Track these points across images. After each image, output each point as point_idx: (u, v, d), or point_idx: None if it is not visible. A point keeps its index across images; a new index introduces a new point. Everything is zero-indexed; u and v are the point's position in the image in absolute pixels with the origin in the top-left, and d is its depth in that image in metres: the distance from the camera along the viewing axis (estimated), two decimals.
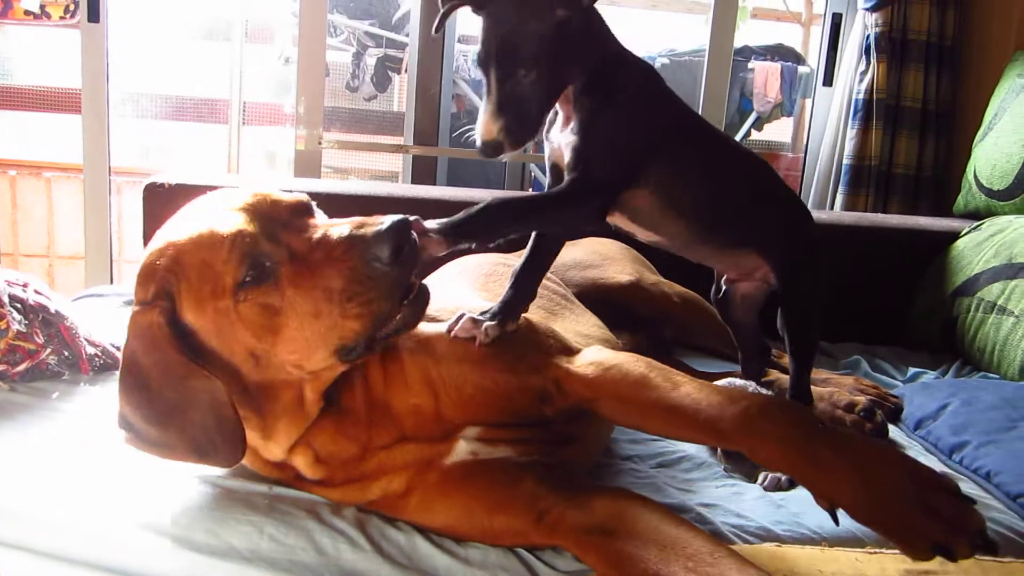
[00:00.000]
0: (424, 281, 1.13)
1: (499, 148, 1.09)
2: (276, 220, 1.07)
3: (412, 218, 1.05)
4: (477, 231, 1.09)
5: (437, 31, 1.19)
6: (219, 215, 1.06)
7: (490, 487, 1.11)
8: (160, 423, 1.04)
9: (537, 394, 1.16)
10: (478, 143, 1.10)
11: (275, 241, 1.05)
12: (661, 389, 1.09)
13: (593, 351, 1.19)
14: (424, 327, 1.16)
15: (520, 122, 1.09)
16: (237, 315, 1.03)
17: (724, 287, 1.49)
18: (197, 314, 1.04)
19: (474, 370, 1.15)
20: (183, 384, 1.02)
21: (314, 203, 1.15)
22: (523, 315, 1.23)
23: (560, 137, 1.20)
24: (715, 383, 1.15)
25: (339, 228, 1.05)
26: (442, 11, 1.18)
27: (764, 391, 1.57)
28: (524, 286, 1.23)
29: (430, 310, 1.15)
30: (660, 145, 1.21)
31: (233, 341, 1.05)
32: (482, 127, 1.09)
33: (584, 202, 1.16)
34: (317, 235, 1.05)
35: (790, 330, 1.38)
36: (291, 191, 1.13)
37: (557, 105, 1.19)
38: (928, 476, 0.95)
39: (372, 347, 1.08)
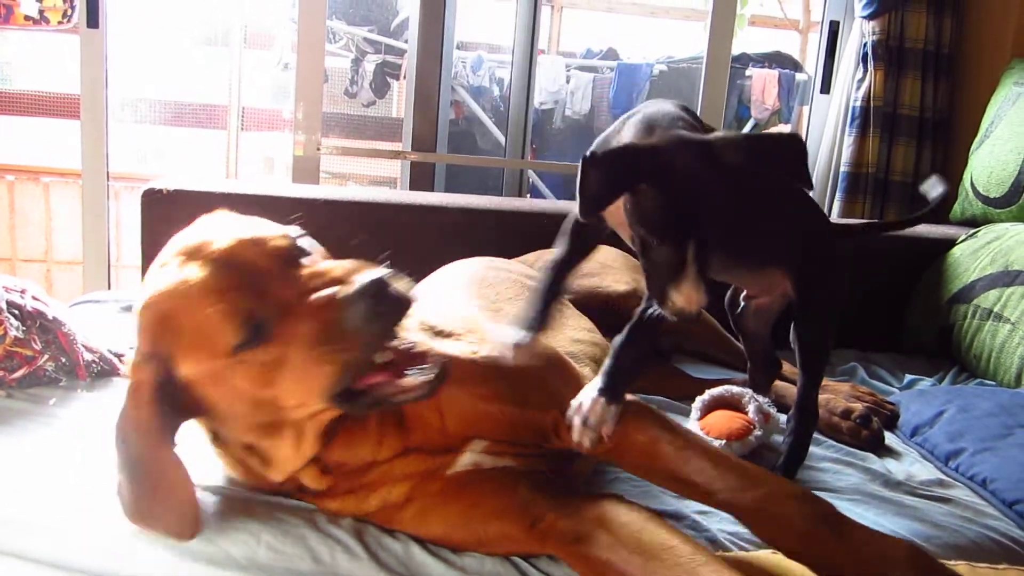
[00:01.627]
0: (418, 286, 1.12)
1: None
2: (264, 271, 1.05)
3: (386, 276, 1.02)
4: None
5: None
6: (211, 269, 1.04)
7: (486, 495, 1.12)
8: (127, 477, 1.05)
9: (540, 431, 1.18)
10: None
11: (265, 297, 1.02)
12: (671, 460, 1.11)
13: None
14: (433, 343, 1.16)
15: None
16: (234, 372, 1.02)
17: (742, 303, 1.49)
18: (194, 371, 1.04)
19: (481, 400, 1.16)
20: (153, 451, 1.05)
21: (298, 237, 1.12)
22: (550, 348, 1.24)
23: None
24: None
25: (321, 280, 1.04)
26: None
27: (761, 399, 1.57)
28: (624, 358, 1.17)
29: (434, 321, 1.17)
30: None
31: (233, 394, 1.05)
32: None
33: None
34: (302, 287, 1.04)
35: (802, 343, 1.37)
36: (276, 232, 1.10)
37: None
38: (939, 569, 1.00)
39: (376, 405, 1.06)
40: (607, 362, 1.17)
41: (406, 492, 1.13)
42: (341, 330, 0.99)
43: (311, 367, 1.01)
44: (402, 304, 1.02)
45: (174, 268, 1.06)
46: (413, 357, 1.05)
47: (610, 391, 1.13)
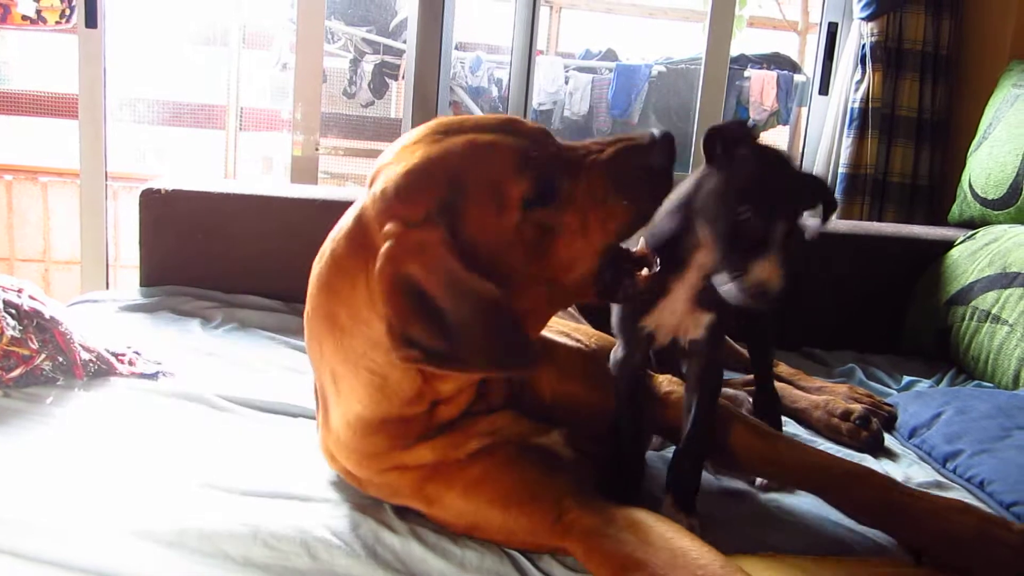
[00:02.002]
0: None
1: (775, 299, 1.03)
2: (540, 140, 1.06)
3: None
4: None
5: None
6: (486, 133, 1.03)
7: (534, 478, 1.13)
8: (449, 337, 0.96)
9: None
10: (761, 284, 1.01)
11: (553, 157, 1.03)
12: (748, 436, 1.23)
13: (668, 383, 1.30)
14: (552, 336, 1.26)
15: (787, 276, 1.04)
16: (520, 236, 1.01)
17: None
18: (481, 233, 1.00)
19: (584, 387, 1.25)
20: (469, 297, 0.96)
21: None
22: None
23: (682, 315, 1.18)
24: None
25: (605, 141, 1.07)
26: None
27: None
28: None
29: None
30: None
31: (514, 261, 1.02)
32: (773, 274, 1.01)
33: None
34: (584, 151, 1.06)
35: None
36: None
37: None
38: (993, 519, 1.12)
39: (617, 295, 1.10)
40: (669, 475, 1.20)
41: (490, 446, 1.14)
42: (632, 180, 1.03)
43: (596, 226, 1.03)
44: (668, 175, 1.06)
45: (435, 140, 1.04)
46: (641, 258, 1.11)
47: (683, 503, 1.17)
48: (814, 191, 1.13)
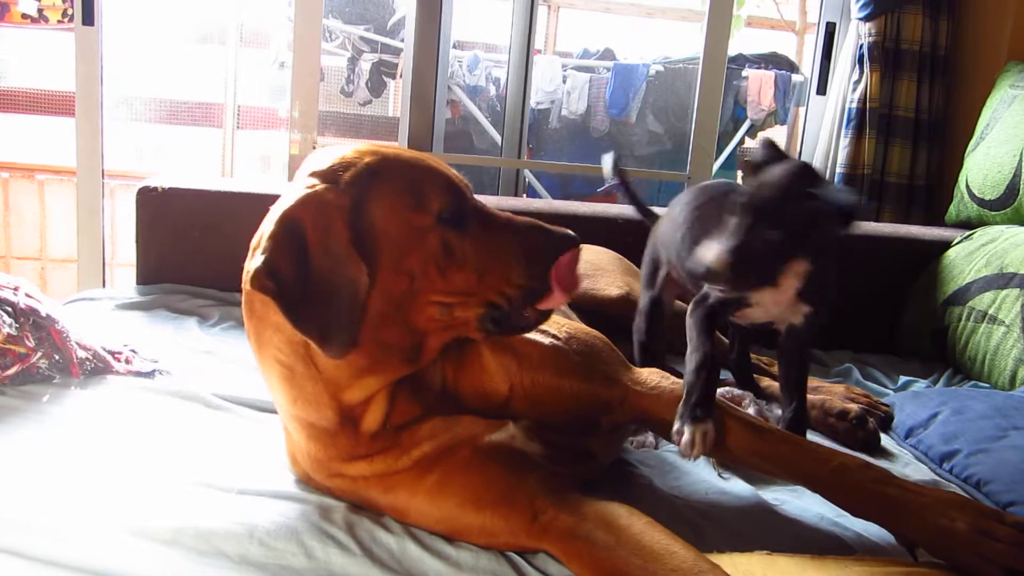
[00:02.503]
0: None
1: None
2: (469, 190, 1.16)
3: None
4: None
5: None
6: (433, 161, 1.15)
7: (501, 476, 1.13)
8: (303, 289, 1.02)
9: (602, 404, 1.27)
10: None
11: (475, 201, 1.14)
12: (744, 432, 1.24)
13: (654, 374, 1.31)
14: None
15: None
16: (423, 239, 1.08)
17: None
18: (388, 218, 1.07)
19: (553, 376, 1.24)
20: (338, 265, 1.03)
21: None
22: (597, 333, 1.35)
23: (779, 302, 1.34)
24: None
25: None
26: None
27: (761, 402, 1.58)
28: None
29: None
30: None
31: (405, 258, 1.07)
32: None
33: None
34: (502, 214, 1.15)
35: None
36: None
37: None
38: (986, 511, 1.12)
39: (503, 331, 1.14)
40: (685, 387, 1.27)
41: (440, 450, 1.14)
42: (538, 257, 1.11)
43: (492, 274, 1.10)
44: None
45: (376, 148, 1.14)
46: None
47: (704, 408, 1.24)
48: (816, 204, 1.20)
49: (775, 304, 1.34)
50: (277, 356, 1.13)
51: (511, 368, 1.22)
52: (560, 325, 1.31)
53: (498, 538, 1.10)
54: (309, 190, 1.06)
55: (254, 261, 1.03)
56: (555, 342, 1.27)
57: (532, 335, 1.25)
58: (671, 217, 1.61)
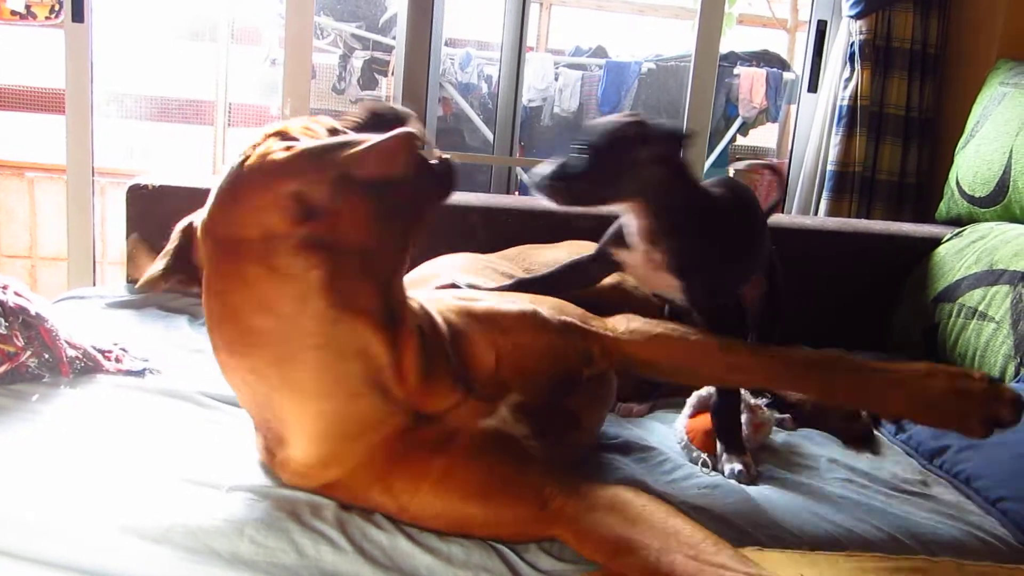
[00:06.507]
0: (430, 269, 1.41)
1: (540, 187, 1.28)
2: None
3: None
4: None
5: None
6: None
7: (503, 465, 1.13)
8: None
9: (582, 355, 1.31)
10: (533, 174, 1.29)
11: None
12: (733, 349, 1.29)
13: (620, 319, 1.35)
14: (479, 306, 1.29)
15: (563, 185, 1.27)
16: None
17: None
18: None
19: (532, 334, 1.27)
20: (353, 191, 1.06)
21: None
22: (560, 300, 1.39)
23: (650, 270, 1.37)
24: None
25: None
26: None
27: (756, 401, 1.58)
28: None
29: (470, 293, 1.37)
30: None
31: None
32: (542, 166, 1.27)
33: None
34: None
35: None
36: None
37: (629, 222, 1.35)
38: (956, 372, 1.19)
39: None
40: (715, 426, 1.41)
41: (444, 439, 1.14)
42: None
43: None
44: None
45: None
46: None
47: (735, 448, 1.39)
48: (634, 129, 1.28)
49: (644, 270, 1.37)
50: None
51: (494, 336, 1.25)
52: (523, 297, 1.34)
53: (504, 529, 1.11)
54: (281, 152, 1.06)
55: None
56: (523, 307, 1.29)
57: (505, 305, 1.29)
58: None
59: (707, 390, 1.55)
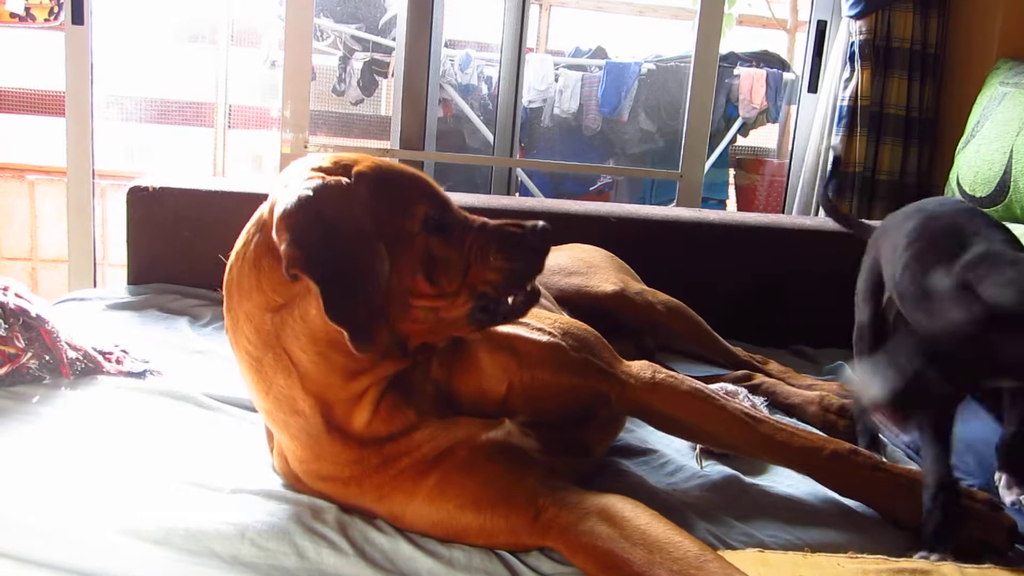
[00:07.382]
0: None
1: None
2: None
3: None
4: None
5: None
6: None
7: (500, 474, 1.12)
8: (334, 269, 0.99)
9: (599, 397, 1.29)
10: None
11: (454, 208, 1.16)
12: (756, 425, 1.29)
13: (646, 367, 1.33)
14: (503, 329, 1.25)
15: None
16: (411, 243, 1.08)
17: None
18: (385, 222, 1.07)
19: (552, 372, 1.25)
20: (365, 253, 1.03)
21: None
22: (589, 328, 1.35)
23: None
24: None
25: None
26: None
27: (755, 399, 1.59)
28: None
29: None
30: None
31: (395, 262, 1.06)
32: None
33: None
34: (478, 218, 1.17)
35: None
36: None
37: None
38: (964, 491, 1.22)
39: (495, 320, 1.16)
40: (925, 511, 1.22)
41: (437, 453, 1.13)
42: (515, 245, 1.13)
43: (475, 266, 1.12)
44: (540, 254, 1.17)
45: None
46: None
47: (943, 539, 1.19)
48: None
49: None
50: (247, 348, 1.12)
51: (510, 367, 1.23)
52: (553, 321, 1.32)
53: (498, 538, 1.10)
54: (323, 180, 1.03)
55: (283, 247, 0.97)
56: (552, 339, 1.27)
57: (529, 333, 1.26)
58: (892, 233, 1.59)
59: (721, 386, 1.55)
